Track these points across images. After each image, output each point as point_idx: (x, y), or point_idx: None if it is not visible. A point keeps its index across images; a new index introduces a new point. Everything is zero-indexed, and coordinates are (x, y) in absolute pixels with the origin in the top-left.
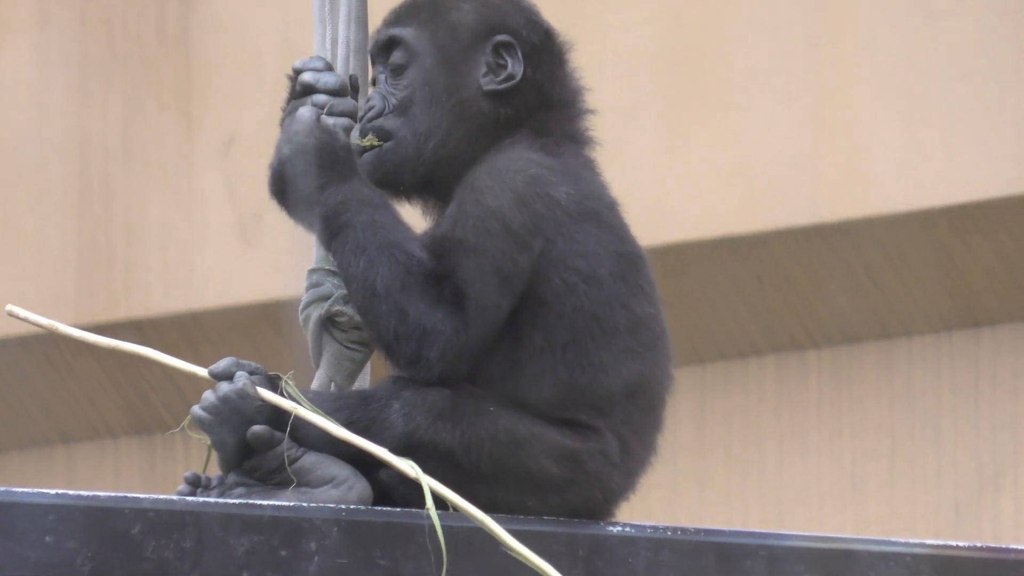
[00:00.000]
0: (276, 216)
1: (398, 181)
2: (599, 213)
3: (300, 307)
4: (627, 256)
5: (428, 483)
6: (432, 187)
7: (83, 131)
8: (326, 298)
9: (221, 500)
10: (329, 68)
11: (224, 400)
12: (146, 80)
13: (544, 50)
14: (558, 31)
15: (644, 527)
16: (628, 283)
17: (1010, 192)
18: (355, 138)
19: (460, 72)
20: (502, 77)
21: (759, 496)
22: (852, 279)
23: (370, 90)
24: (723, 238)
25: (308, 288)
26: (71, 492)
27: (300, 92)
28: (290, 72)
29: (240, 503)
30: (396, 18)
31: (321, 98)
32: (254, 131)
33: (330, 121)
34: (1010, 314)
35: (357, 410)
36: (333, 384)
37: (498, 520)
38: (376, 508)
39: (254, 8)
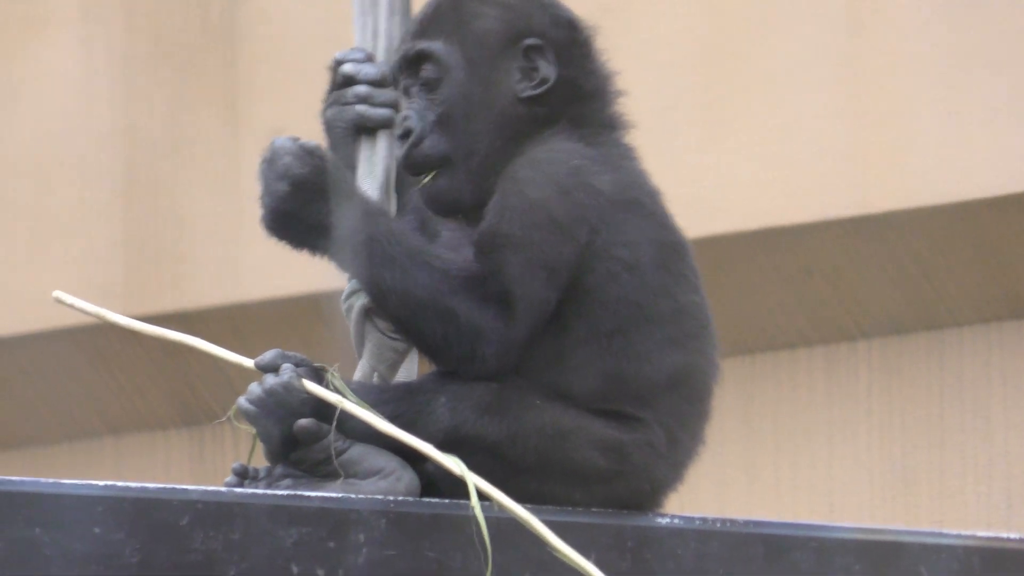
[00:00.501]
0: None
1: (460, 201)
2: (641, 201)
3: (342, 297)
4: (670, 244)
5: (473, 480)
6: (483, 196)
7: (129, 125)
8: None
9: (269, 492)
10: (370, 59)
11: (269, 393)
12: (192, 73)
13: (572, 44)
14: (581, 18)
15: (692, 519)
16: (671, 271)
17: None
18: (399, 154)
19: (494, 81)
20: (536, 82)
21: (808, 488)
22: (900, 270)
23: (404, 103)
24: (770, 229)
25: (350, 278)
26: (119, 484)
27: (341, 83)
28: (331, 63)
29: (288, 495)
30: (421, 30)
31: (362, 89)
32: (299, 124)
33: (370, 112)
34: None
35: (403, 403)
36: (376, 374)
37: (545, 513)
38: (424, 500)
39: (299, 1)
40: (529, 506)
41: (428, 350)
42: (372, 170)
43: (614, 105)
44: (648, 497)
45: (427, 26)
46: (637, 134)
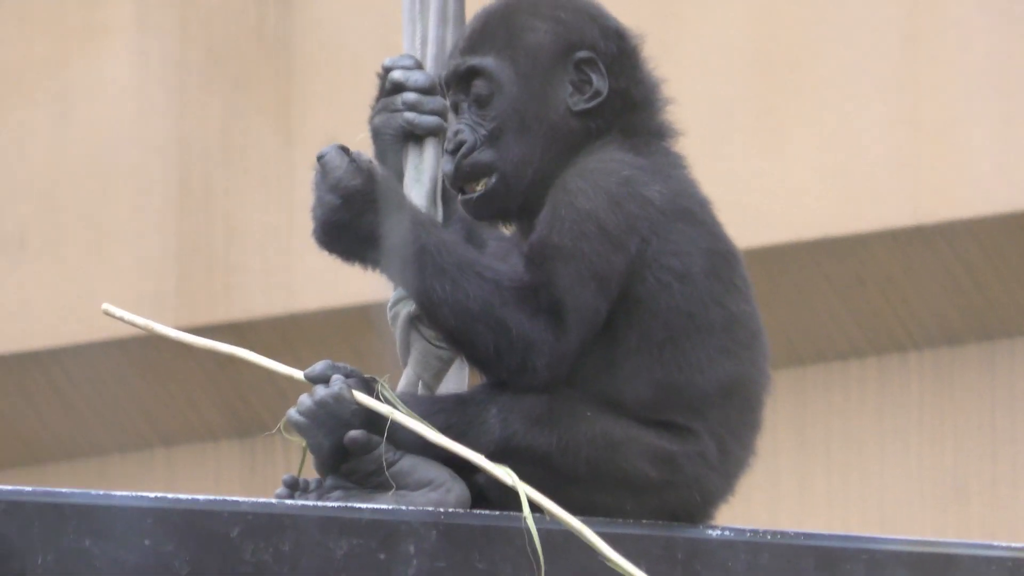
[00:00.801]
0: None
1: (507, 213)
2: (692, 211)
3: (388, 305)
4: (720, 253)
5: (525, 491)
6: (533, 207)
7: (183, 134)
8: None
9: (319, 503)
10: (419, 66)
11: (320, 404)
12: (245, 83)
13: (622, 55)
14: (628, 27)
15: (743, 531)
16: (722, 280)
17: None
18: (447, 169)
19: (546, 95)
20: (588, 95)
21: (860, 499)
22: (952, 280)
23: (451, 118)
24: (822, 239)
25: (396, 287)
26: (169, 495)
27: (390, 90)
28: (380, 70)
29: (338, 506)
30: (471, 46)
31: (411, 96)
32: (353, 133)
33: (419, 120)
34: None
35: (454, 414)
36: (421, 382)
37: (596, 524)
38: (474, 511)
39: (352, 10)
40: (580, 517)
41: (479, 362)
42: (419, 177)
43: (663, 113)
44: (699, 508)
45: (477, 41)
46: (690, 142)
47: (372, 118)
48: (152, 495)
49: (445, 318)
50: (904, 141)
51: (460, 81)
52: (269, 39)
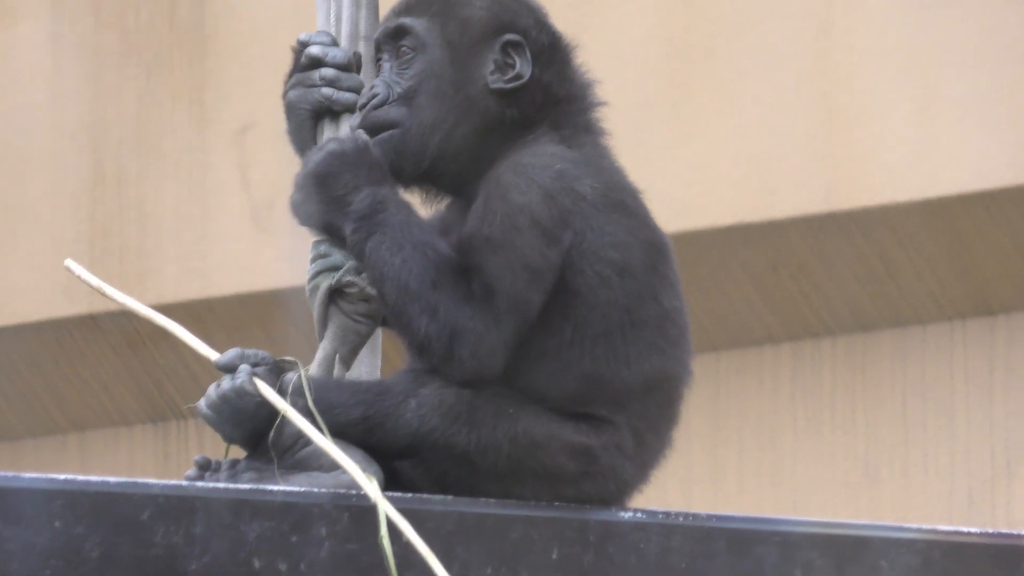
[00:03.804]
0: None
1: (399, 170)
2: (625, 203)
3: (308, 277)
4: (656, 245)
5: (385, 509)
6: (434, 179)
7: (96, 119)
8: (337, 268)
9: (231, 486)
10: (335, 43)
11: (223, 398)
12: (159, 68)
13: (553, 50)
14: (564, 34)
15: (655, 513)
16: (658, 274)
17: (1023, 180)
18: (355, 123)
19: (468, 67)
20: (509, 76)
21: (773, 485)
22: (866, 267)
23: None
24: (737, 226)
25: (315, 259)
26: (79, 478)
27: (306, 65)
28: (295, 44)
29: (250, 488)
30: (407, 7)
31: (329, 72)
32: (267, 119)
33: (336, 96)
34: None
35: (373, 405)
36: (337, 356)
37: (510, 506)
38: (387, 494)
39: None
40: (493, 501)
41: (415, 345)
42: None
43: (593, 111)
44: (614, 496)
45: (413, 5)
46: (606, 129)
47: (286, 92)
48: (62, 477)
49: (388, 293)
50: (818, 129)
51: (388, 39)
52: (183, 24)
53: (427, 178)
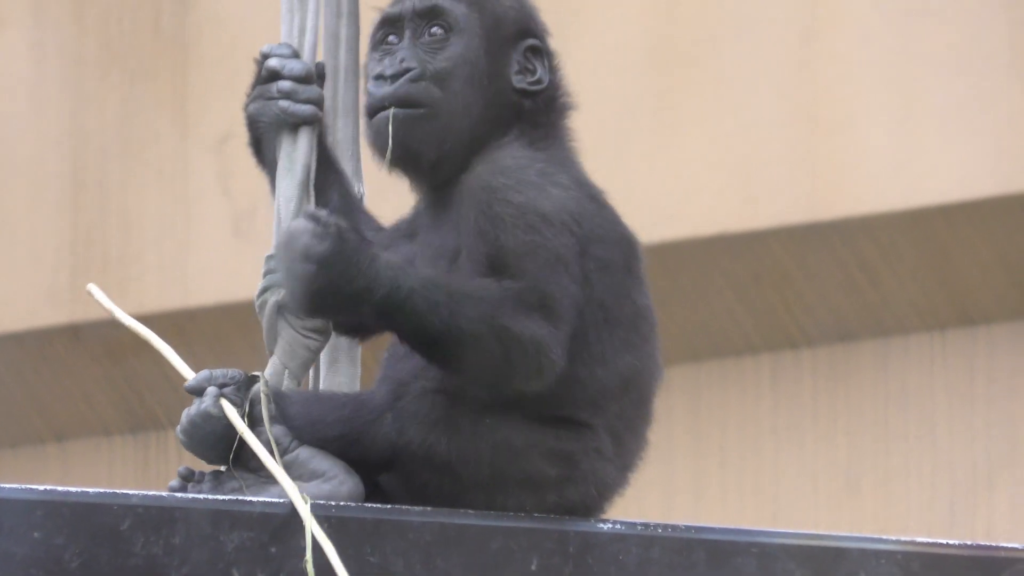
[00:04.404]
0: (270, 212)
1: (415, 152)
2: (597, 197)
3: (256, 293)
4: (629, 241)
5: (312, 531)
6: (434, 166)
7: (78, 127)
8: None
9: (211, 496)
10: (296, 55)
11: (192, 423)
12: (141, 76)
13: (553, 57)
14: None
15: (635, 524)
16: (632, 272)
17: (1005, 190)
18: (383, 91)
19: (499, 62)
20: (532, 80)
21: (754, 494)
22: (847, 277)
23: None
24: (719, 236)
25: (265, 274)
26: (59, 488)
27: (265, 78)
28: (257, 57)
29: (230, 499)
30: None
31: (286, 84)
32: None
33: (292, 108)
34: (1005, 312)
35: (351, 422)
36: (287, 371)
37: (491, 518)
38: (366, 504)
39: (248, 5)
40: (473, 512)
41: (494, 377)
42: (292, 167)
43: (566, 115)
44: (596, 501)
45: None
46: (587, 138)
47: (247, 105)
48: (42, 487)
49: (451, 348)
50: (800, 138)
51: (418, 17)
52: (165, 33)
53: (439, 164)
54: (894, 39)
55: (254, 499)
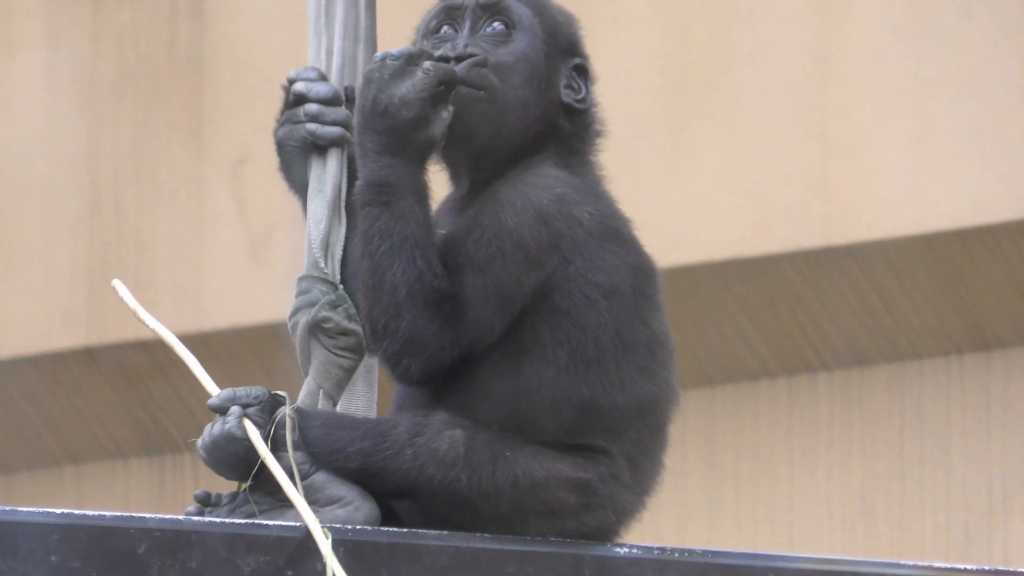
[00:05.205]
0: (286, 235)
1: (471, 136)
2: (619, 231)
3: (288, 315)
4: (644, 269)
5: (333, 567)
6: (478, 158)
7: (93, 150)
8: (313, 304)
9: (227, 520)
10: (323, 78)
11: (215, 443)
12: (157, 99)
13: (593, 83)
14: None
15: (651, 548)
16: (646, 297)
17: (1020, 214)
18: (445, 69)
19: (553, 71)
20: (578, 97)
21: (769, 519)
22: (862, 301)
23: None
24: (732, 260)
25: (297, 295)
26: (76, 512)
27: (293, 102)
28: (284, 83)
29: (246, 523)
30: None
31: (313, 108)
32: (264, 151)
33: (320, 131)
34: (1021, 337)
35: (371, 456)
36: (321, 392)
37: (507, 541)
38: (381, 528)
39: (264, 28)
40: (489, 536)
41: (368, 326)
42: (322, 188)
43: (596, 141)
44: (614, 526)
45: None
46: (602, 160)
47: (276, 130)
48: (59, 511)
49: (363, 272)
50: (814, 162)
51: (482, 10)
52: (180, 56)
53: (481, 152)
54: (908, 63)
55: (270, 523)
